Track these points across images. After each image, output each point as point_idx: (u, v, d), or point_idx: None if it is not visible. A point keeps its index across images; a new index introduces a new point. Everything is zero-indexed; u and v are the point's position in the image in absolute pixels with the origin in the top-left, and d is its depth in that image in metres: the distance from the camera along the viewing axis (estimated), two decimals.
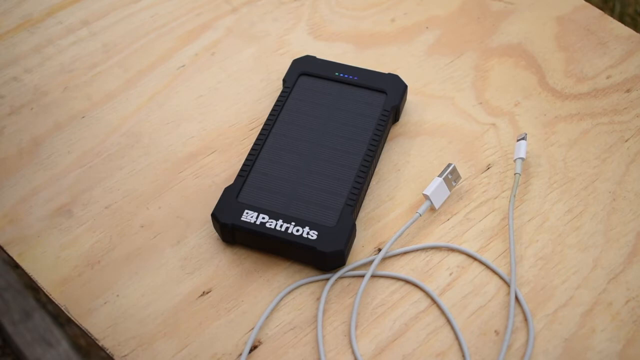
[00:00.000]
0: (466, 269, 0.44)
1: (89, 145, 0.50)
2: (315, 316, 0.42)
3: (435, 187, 0.45)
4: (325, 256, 0.42)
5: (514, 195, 0.46)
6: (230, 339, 0.41)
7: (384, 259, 0.44)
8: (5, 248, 0.45)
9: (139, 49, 0.57)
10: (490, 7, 0.59)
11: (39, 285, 0.44)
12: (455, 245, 0.44)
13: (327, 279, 0.43)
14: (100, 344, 0.41)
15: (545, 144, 0.50)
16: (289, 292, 0.43)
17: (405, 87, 0.51)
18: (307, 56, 0.52)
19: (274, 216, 0.43)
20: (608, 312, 0.42)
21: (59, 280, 0.44)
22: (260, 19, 0.59)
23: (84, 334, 0.42)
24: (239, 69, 0.55)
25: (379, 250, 0.45)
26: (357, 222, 0.46)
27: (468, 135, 0.50)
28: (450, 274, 0.43)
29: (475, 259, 0.44)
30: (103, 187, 0.48)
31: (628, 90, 0.53)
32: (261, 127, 0.49)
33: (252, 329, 0.41)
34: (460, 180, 0.48)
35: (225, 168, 0.49)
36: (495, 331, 0.41)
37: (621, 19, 1.41)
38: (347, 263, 0.44)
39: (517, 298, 0.42)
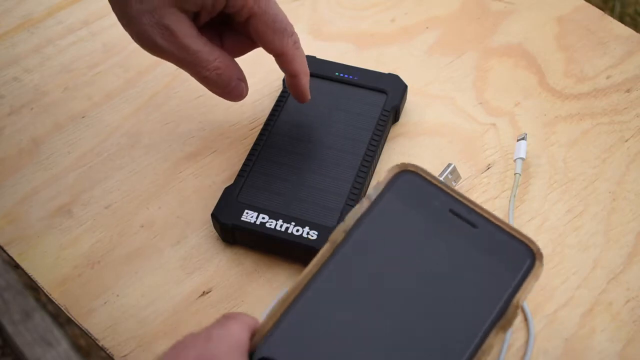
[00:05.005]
0: None
1: (89, 145, 0.50)
2: None
3: None
4: None
5: (514, 195, 0.46)
6: None
7: None
8: (5, 248, 0.45)
9: (139, 49, 0.57)
10: (490, 7, 0.59)
11: (39, 285, 0.44)
12: None
13: None
14: (100, 344, 0.41)
15: (545, 144, 0.50)
16: None
17: (405, 87, 0.51)
18: (307, 56, 0.52)
19: (274, 216, 0.43)
20: (608, 312, 0.42)
21: (59, 280, 0.44)
22: None
23: (84, 334, 0.42)
24: None
25: None
26: None
27: (468, 135, 0.50)
28: None
29: None
30: (103, 187, 0.48)
31: (628, 90, 0.53)
32: (261, 127, 0.49)
33: None
34: (460, 180, 0.48)
35: (225, 168, 0.49)
36: None
37: (621, 19, 1.41)
38: None
39: None
